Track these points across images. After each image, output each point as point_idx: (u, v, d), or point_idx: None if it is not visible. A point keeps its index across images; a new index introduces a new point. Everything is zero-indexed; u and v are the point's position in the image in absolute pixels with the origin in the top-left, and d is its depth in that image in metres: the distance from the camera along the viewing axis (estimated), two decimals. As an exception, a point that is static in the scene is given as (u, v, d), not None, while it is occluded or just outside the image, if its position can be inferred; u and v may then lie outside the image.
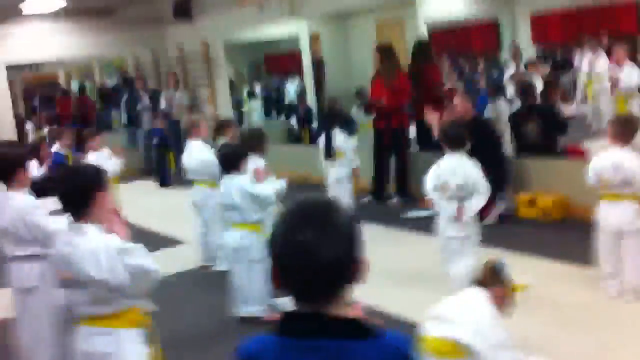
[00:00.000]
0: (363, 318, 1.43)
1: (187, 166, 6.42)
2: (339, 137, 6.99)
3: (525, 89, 7.48)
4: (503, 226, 6.47)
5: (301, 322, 1.41)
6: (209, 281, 6.03)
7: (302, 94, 12.52)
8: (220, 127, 6.55)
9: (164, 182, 11.08)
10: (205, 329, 4.97)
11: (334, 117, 7.25)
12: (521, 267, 5.19)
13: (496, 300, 3.17)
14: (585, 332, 4.18)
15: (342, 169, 7.00)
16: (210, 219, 6.16)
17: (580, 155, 6.57)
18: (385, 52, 7.70)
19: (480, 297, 3.14)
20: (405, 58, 8.37)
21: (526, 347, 4.09)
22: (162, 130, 11.09)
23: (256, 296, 4.86)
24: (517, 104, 7.97)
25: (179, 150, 8.04)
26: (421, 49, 8.01)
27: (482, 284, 3.19)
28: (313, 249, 1.36)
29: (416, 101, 7.78)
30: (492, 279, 3.19)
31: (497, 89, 9.85)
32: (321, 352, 1.36)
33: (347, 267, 1.40)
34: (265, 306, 4.87)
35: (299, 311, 1.42)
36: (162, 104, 12.13)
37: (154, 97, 12.51)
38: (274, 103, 14.89)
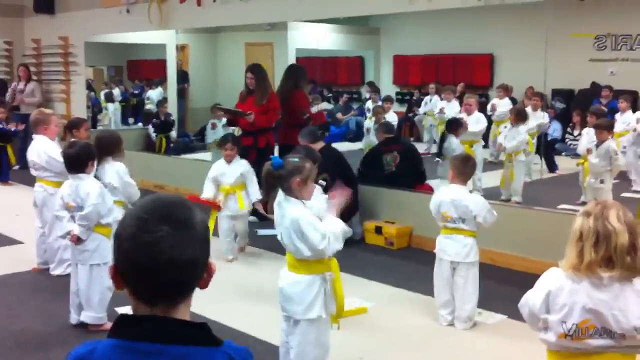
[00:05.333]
0: (206, 325, 1.37)
1: (30, 163, 6.09)
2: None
3: (385, 124, 7.83)
4: (349, 251, 6.67)
5: (142, 324, 1.33)
6: (46, 284, 5.71)
7: (163, 102, 12.29)
8: (72, 126, 6.28)
9: (2, 178, 10.39)
10: (40, 334, 4.67)
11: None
12: (365, 292, 5.43)
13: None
14: (416, 357, 4.39)
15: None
16: (51, 219, 5.84)
17: (426, 189, 6.94)
18: (258, 72, 7.75)
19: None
20: (272, 80, 8.47)
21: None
22: (0, 121, 10.39)
23: (96, 302, 4.67)
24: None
25: (25, 144, 7.61)
26: (293, 74, 8.13)
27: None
28: (166, 248, 1.30)
29: (283, 123, 7.90)
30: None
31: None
32: (161, 357, 1.30)
33: (198, 269, 1.36)
34: (104, 313, 4.69)
35: (140, 313, 1.35)
36: (8, 96, 11.51)
37: (0, 88, 11.85)
38: (132, 108, 14.50)
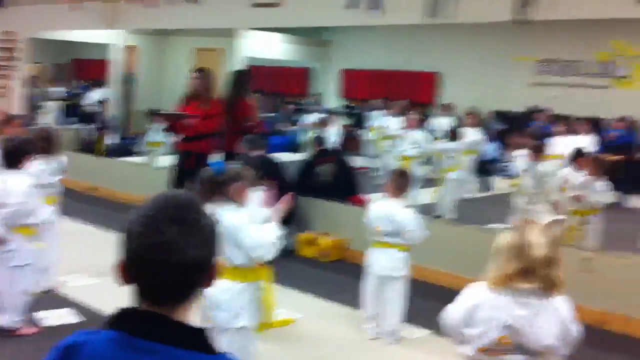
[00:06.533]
0: (205, 330, 1.35)
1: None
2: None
3: (319, 137, 7.94)
4: (281, 261, 6.70)
5: (142, 320, 1.31)
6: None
7: (105, 103, 12.13)
8: (7, 121, 6.16)
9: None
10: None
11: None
12: (294, 303, 5.47)
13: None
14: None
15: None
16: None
17: (361, 203, 7.06)
18: (205, 75, 7.66)
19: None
20: (220, 86, 8.42)
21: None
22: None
23: (14, 305, 4.53)
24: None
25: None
26: (238, 80, 8.09)
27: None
28: (177, 247, 1.29)
29: (227, 130, 7.83)
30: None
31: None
32: (158, 356, 1.28)
33: (204, 271, 1.36)
34: (21, 318, 4.56)
35: (141, 309, 1.33)
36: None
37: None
38: (74, 108, 14.25)
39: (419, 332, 5.03)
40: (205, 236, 1.35)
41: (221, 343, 3.61)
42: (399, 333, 4.89)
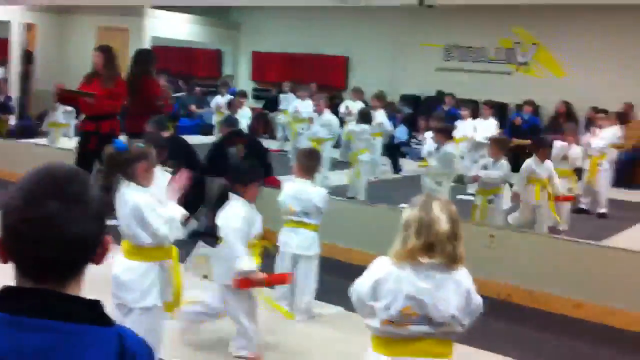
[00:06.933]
0: (98, 302, 1.30)
1: None
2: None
3: (228, 118, 7.86)
4: (195, 243, 6.59)
5: (27, 298, 1.24)
6: None
7: (3, 83, 11.55)
8: None
9: None
10: None
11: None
12: (207, 284, 5.37)
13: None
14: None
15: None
16: None
17: (273, 183, 7.02)
18: (107, 53, 7.40)
19: None
20: (125, 67, 8.17)
21: (196, 356, 4.22)
22: None
23: None
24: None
25: None
26: (142, 59, 7.86)
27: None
28: (58, 222, 1.24)
29: (130, 111, 7.61)
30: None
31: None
32: (48, 333, 1.21)
33: (90, 246, 1.30)
34: None
35: (25, 287, 1.26)
36: None
37: None
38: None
39: (331, 309, 5.06)
40: (91, 211, 1.29)
41: (128, 323, 3.52)
42: (311, 311, 4.93)
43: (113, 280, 3.53)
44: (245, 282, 3.96)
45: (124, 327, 1.34)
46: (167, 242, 3.54)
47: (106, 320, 1.29)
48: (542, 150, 6.97)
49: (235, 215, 4.02)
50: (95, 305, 1.29)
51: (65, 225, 1.24)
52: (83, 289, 1.32)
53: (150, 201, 3.46)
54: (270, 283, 4.37)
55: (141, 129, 6.42)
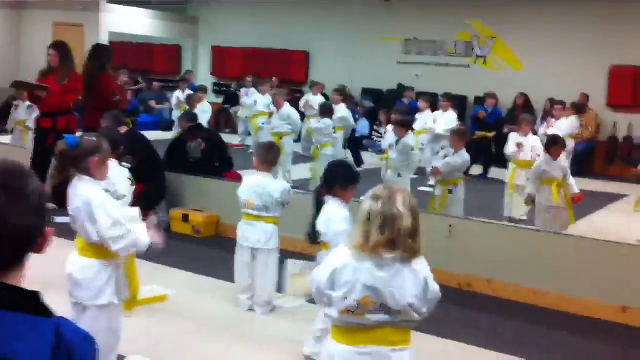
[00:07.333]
0: (37, 293, 1.33)
1: None
2: None
3: (188, 113, 7.79)
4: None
5: None
6: None
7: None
8: None
9: None
10: None
11: None
12: (167, 280, 5.34)
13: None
14: (215, 341, 4.40)
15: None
16: None
17: (233, 177, 6.98)
18: (62, 49, 7.30)
19: None
20: (81, 62, 8.04)
21: (157, 352, 4.18)
22: None
23: None
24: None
25: None
26: (98, 55, 7.75)
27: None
28: (3, 215, 1.28)
29: (87, 107, 7.51)
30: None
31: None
32: None
33: (32, 238, 1.34)
34: None
35: None
36: None
37: None
38: None
39: (292, 302, 5.05)
40: (31, 205, 1.33)
41: (85, 321, 3.45)
42: (272, 304, 4.92)
43: (68, 279, 3.45)
44: None
45: (65, 319, 1.36)
46: (111, 248, 3.32)
47: (44, 311, 1.31)
48: (555, 148, 6.58)
49: (340, 218, 3.94)
50: (34, 295, 1.31)
51: (5, 219, 1.28)
52: (24, 281, 1.33)
53: (103, 197, 3.37)
54: None
55: (98, 125, 6.32)
